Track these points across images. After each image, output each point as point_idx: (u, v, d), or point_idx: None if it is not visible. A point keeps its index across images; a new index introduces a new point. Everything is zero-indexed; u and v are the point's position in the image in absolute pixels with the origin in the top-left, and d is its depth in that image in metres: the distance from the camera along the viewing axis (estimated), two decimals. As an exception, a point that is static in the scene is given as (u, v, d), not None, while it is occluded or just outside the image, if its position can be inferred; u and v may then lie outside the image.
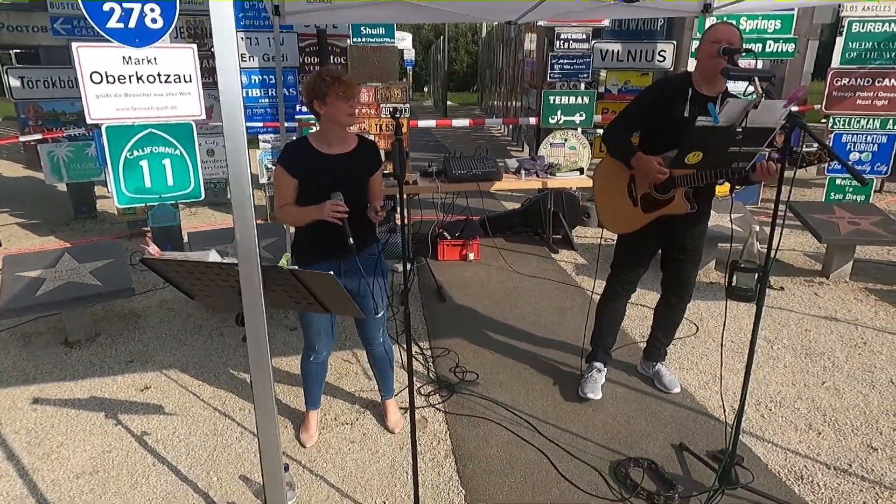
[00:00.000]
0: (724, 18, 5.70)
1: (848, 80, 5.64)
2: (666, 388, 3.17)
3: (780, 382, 3.26)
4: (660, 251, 3.03)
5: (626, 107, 2.91)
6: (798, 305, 4.26)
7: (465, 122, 7.83)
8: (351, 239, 2.24)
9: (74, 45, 4.08)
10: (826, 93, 5.75)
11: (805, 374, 3.35)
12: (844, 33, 5.58)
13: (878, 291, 4.49)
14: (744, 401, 2.30)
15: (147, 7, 4.15)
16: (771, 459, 2.64)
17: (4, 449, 2.78)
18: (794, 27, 5.90)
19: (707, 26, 2.68)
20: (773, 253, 2.07)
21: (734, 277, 2.20)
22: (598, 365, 3.21)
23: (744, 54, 2.44)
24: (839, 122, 5.78)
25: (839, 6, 5.86)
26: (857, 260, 4.81)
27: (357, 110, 2.47)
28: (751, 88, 1.99)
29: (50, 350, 3.73)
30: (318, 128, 2.46)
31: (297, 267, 1.73)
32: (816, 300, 4.35)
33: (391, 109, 4.97)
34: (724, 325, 3.94)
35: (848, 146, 5.79)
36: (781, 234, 1.99)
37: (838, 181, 5.92)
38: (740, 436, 2.71)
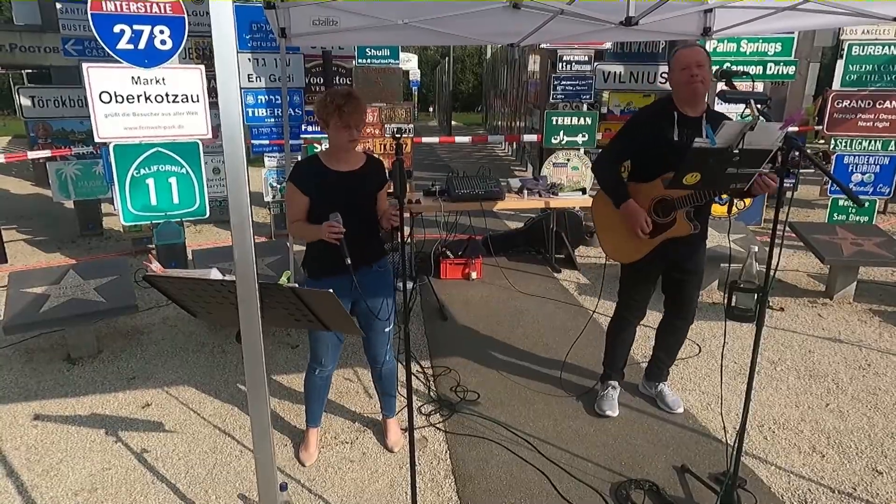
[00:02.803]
0: (725, 41, 5.78)
1: (849, 102, 5.68)
2: (669, 408, 3.15)
3: (783, 404, 3.24)
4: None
5: (615, 137, 2.92)
6: (801, 326, 4.24)
7: (467, 139, 7.93)
8: (348, 259, 2.27)
9: (85, 65, 4.16)
10: (827, 115, 5.79)
11: (809, 395, 3.32)
12: (845, 56, 5.64)
13: (882, 313, 4.46)
14: (744, 422, 2.28)
15: (157, 29, 4.25)
16: (774, 482, 2.61)
17: (4, 465, 2.78)
18: (794, 50, 5.96)
19: (674, 52, 2.70)
20: (772, 273, 2.07)
21: (734, 298, 2.21)
22: (613, 383, 3.23)
23: (742, 77, 2.47)
24: (841, 143, 5.81)
25: (839, 29, 5.93)
26: (861, 281, 4.80)
27: (363, 130, 2.53)
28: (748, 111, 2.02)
29: (52, 366, 3.74)
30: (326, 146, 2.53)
31: (306, 282, 1.75)
32: (820, 321, 4.33)
33: (394, 129, 5.03)
34: (724, 345, 3.92)
35: (850, 168, 5.81)
36: (780, 254, 2.00)
37: (841, 202, 5.93)
38: (743, 458, 2.69)
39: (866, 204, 5.77)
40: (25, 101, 6.71)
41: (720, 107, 6.34)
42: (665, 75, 6.15)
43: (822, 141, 6.09)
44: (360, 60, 6.45)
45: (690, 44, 2.70)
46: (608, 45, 6.12)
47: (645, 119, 2.83)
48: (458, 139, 7.99)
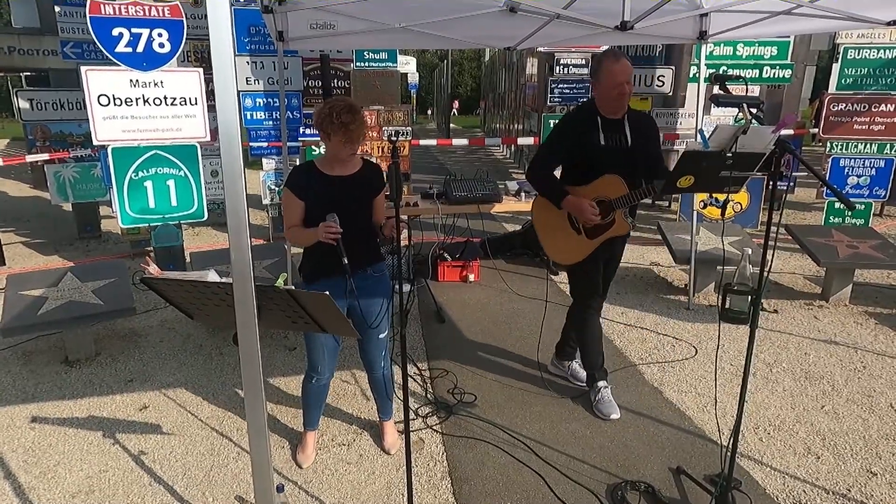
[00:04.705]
0: (721, 45, 5.81)
1: (845, 105, 5.71)
2: (579, 382, 3.38)
3: (778, 406, 3.25)
4: None
5: (542, 145, 3.09)
6: (798, 328, 4.26)
7: (464, 142, 8.01)
8: (345, 259, 2.29)
9: (83, 68, 4.18)
10: (823, 118, 5.82)
11: (804, 397, 3.34)
12: (840, 59, 5.67)
13: (877, 315, 4.48)
14: (739, 424, 2.30)
15: (155, 32, 4.26)
16: (769, 484, 2.63)
17: (1, 467, 2.79)
18: (790, 53, 5.99)
19: (602, 63, 2.75)
20: (766, 275, 2.09)
21: (727, 300, 2.22)
22: (603, 384, 3.24)
23: (736, 81, 2.49)
24: (837, 146, 5.84)
25: (835, 33, 5.95)
26: (857, 283, 4.81)
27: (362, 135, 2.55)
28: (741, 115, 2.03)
29: (50, 369, 3.74)
30: (322, 149, 2.55)
31: (298, 286, 1.77)
32: (816, 323, 4.35)
33: (391, 133, 5.05)
34: (718, 347, 3.94)
35: (846, 170, 5.83)
36: (774, 256, 2.02)
37: (837, 205, 5.95)
38: (739, 460, 2.71)
39: (861, 207, 5.80)
40: (24, 104, 6.72)
41: (714, 110, 6.38)
42: (662, 79, 6.18)
43: (819, 144, 6.10)
44: (358, 63, 6.47)
45: (617, 56, 2.75)
46: (605, 49, 6.15)
47: (571, 125, 2.96)
48: (456, 142, 8.04)
